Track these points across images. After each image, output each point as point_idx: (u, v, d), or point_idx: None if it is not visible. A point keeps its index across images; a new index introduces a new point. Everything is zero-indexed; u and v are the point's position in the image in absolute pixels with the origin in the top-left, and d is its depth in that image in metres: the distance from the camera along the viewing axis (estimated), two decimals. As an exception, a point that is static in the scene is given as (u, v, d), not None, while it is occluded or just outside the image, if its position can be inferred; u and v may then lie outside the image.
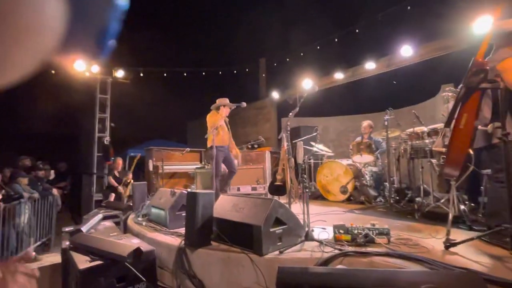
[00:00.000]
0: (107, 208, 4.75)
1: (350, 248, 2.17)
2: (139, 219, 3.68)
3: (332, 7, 9.35)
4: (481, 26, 4.22)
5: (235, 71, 10.31)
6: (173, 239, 2.75)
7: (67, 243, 2.75)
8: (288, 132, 3.00)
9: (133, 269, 2.23)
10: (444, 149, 2.17)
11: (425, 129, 3.72)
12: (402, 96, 7.39)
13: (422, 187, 3.82)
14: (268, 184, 5.28)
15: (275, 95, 8.85)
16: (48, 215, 5.15)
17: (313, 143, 5.50)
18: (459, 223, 2.86)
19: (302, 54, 9.28)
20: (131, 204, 4.61)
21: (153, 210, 3.64)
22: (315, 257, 2.10)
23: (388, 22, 7.22)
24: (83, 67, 6.87)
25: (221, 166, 4.47)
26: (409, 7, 6.81)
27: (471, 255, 2.01)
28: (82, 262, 2.26)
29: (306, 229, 2.48)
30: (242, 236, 2.32)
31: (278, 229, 2.29)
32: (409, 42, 6.10)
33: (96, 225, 3.55)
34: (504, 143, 1.86)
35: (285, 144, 3.41)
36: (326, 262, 2.01)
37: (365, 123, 5.42)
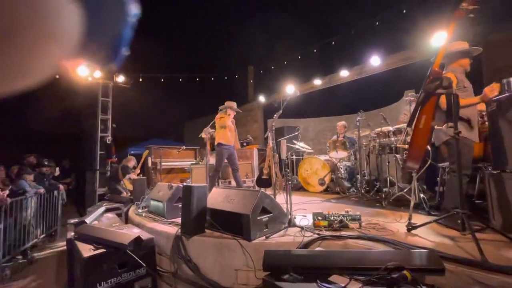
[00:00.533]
0: (110, 201, 4.63)
1: (327, 233, 2.21)
2: (139, 210, 3.60)
3: (311, 22, 9.41)
4: (438, 40, 4.35)
5: (226, 77, 10.24)
6: (170, 228, 2.72)
7: (72, 233, 2.67)
8: (273, 131, 3.01)
9: (134, 255, 2.19)
10: (406, 146, 2.23)
11: (391, 128, 3.81)
12: (371, 100, 7.54)
13: (388, 179, 3.93)
14: (255, 178, 5.29)
15: (262, 98, 8.92)
16: (54, 209, 4.97)
17: (295, 141, 5.54)
18: (419, 209, 2.95)
19: (285, 62, 9.32)
20: (132, 197, 4.51)
21: (152, 203, 3.58)
22: (297, 241, 2.12)
23: (360, 36, 7.35)
24: (86, 72, 6.64)
25: (223, 162, 4.48)
26: (377, 23, 6.95)
27: (429, 236, 2.08)
28: (86, 250, 2.20)
29: (289, 216, 2.50)
30: (233, 224, 2.32)
31: (264, 217, 2.30)
32: (377, 53, 6.24)
33: (99, 217, 3.46)
34: (456, 140, 1.93)
35: (270, 142, 3.43)
36: (307, 245, 2.04)
37: (340, 124, 5.51)
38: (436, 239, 2.01)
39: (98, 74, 6.92)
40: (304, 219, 2.61)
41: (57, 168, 6.41)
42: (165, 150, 6.47)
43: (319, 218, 2.42)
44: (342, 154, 4.86)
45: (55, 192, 5.04)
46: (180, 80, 9.88)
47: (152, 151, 6.17)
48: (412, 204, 2.51)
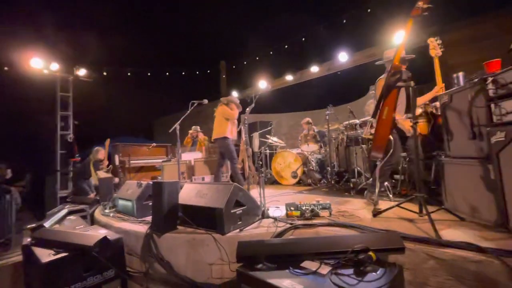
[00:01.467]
0: (73, 203, 4.31)
1: (300, 222, 2.27)
2: (107, 211, 3.40)
3: (282, 18, 9.48)
4: (398, 38, 4.64)
5: (197, 72, 9.99)
6: (140, 227, 2.60)
7: (29, 239, 2.44)
8: (246, 125, 3.00)
9: (99, 257, 2.07)
10: (371, 136, 2.36)
11: (357, 121, 4.01)
12: (340, 95, 7.84)
13: (356, 170, 4.14)
14: (229, 173, 5.26)
15: (235, 94, 8.84)
16: (6, 214, 4.50)
17: (268, 136, 5.60)
18: (383, 196, 3.15)
19: (257, 58, 9.33)
20: (98, 197, 4.24)
21: (121, 202, 3.39)
22: (271, 231, 2.16)
23: (329, 33, 7.59)
24: (40, 65, 6.06)
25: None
26: (344, 21, 7.22)
27: (392, 219, 2.24)
28: (45, 256, 2.03)
29: (263, 208, 2.53)
30: (206, 219, 2.28)
31: (238, 210, 2.29)
32: (345, 50, 6.50)
33: (60, 220, 3.20)
34: (414, 130, 2.08)
35: (243, 136, 3.42)
36: (280, 235, 2.08)
37: (304, 121, 5.69)
38: (398, 222, 2.16)
39: (55, 66, 6.35)
40: (277, 210, 2.65)
41: (9, 170, 5.80)
42: (134, 148, 6.18)
43: (292, 208, 2.48)
44: (313, 147, 5.01)
45: (7, 196, 4.56)
46: (149, 74, 9.45)
47: (120, 149, 5.85)
48: (376, 191, 2.67)
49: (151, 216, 2.57)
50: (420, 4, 2.09)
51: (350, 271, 1.37)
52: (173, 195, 2.46)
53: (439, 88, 2.78)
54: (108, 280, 2.23)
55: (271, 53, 8.93)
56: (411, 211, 2.21)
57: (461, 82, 2.28)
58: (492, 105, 1.81)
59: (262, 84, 6.91)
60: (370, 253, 1.43)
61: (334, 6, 8.05)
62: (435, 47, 2.76)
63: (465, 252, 1.47)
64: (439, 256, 1.52)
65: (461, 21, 5.06)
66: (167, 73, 9.51)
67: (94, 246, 2.06)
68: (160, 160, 5.91)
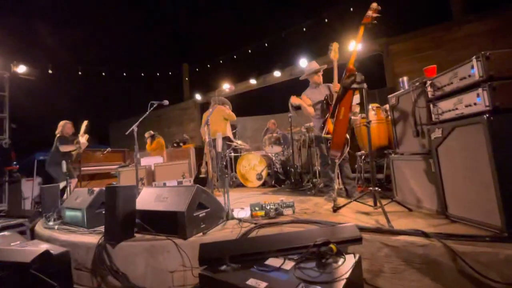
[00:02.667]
0: (7, 217, 3.74)
1: (264, 221, 2.27)
2: (51, 223, 3.01)
3: (246, 23, 9.61)
4: (352, 45, 5.01)
5: (158, 74, 9.57)
6: (91, 238, 2.35)
7: None
8: (209, 125, 2.92)
9: (39, 275, 1.81)
10: (330, 135, 2.48)
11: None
12: (302, 100, 8.16)
13: (317, 170, 4.31)
14: (193, 178, 5.09)
15: (198, 97, 8.66)
16: None
17: (233, 139, 5.57)
18: (342, 192, 3.31)
19: (221, 61, 9.29)
20: (40, 210, 3.75)
21: (68, 213, 3.03)
22: (235, 233, 2.11)
23: (290, 39, 7.89)
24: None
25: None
26: (304, 29, 7.58)
27: (350, 213, 2.36)
28: (-32, 279, 1.71)
29: (227, 210, 2.47)
30: (167, 224, 2.15)
31: (201, 213, 2.21)
32: (305, 56, 6.80)
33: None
34: (367, 128, 2.24)
35: (206, 137, 3.33)
36: (244, 235, 2.04)
37: (270, 122, 5.81)
38: (355, 215, 2.29)
39: (-15, 61, 5.53)
40: (241, 211, 2.62)
41: None
42: (86, 153, 5.63)
43: (256, 208, 2.47)
44: (277, 149, 5.11)
45: None
46: (104, 74, 8.77)
47: (69, 154, 5.27)
48: (335, 188, 2.80)
49: (103, 226, 2.35)
50: (370, 13, 2.28)
51: (313, 264, 1.40)
52: (130, 200, 2.28)
53: (337, 88, 2.87)
54: (51, 300, 1.96)
55: (235, 57, 8.97)
56: (366, 204, 2.36)
57: (406, 86, 2.53)
58: (431, 105, 2.03)
59: (226, 87, 6.88)
60: (331, 245, 1.48)
61: (295, 15, 8.41)
62: (335, 51, 3.02)
63: (413, 238, 1.61)
64: (392, 243, 1.63)
65: (405, 34, 5.66)
66: (124, 74, 8.93)
67: (32, 262, 1.79)
68: (116, 166, 5.49)
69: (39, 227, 2.98)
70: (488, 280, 1.33)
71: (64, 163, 4.23)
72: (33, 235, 3.13)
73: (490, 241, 1.45)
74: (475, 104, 1.65)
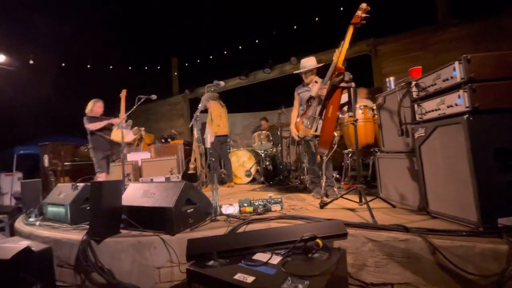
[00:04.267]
0: (-16, 213, 3.59)
1: (252, 217, 2.29)
2: (31, 219, 2.92)
3: (236, 19, 9.50)
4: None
5: (146, 68, 9.35)
6: (75, 234, 2.29)
7: None
8: (198, 120, 2.89)
9: (20, 272, 1.75)
10: (318, 133, 2.52)
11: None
12: (291, 97, 8.21)
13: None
14: (181, 174, 5.04)
15: (187, 92, 8.55)
16: None
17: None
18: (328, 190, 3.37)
19: (211, 57, 9.19)
20: (20, 205, 3.61)
21: (50, 209, 2.94)
22: (223, 229, 2.11)
23: (281, 37, 7.89)
24: None
25: None
26: (295, 27, 7.60)
27: (336, 210, 2.42)
28: None
29: (215, 206, 2.47)
30: (154, 220, 2.13)
31: (189, 209, 2.20)
32: (295, 54, 6.84)
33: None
34: (355, 126, 2.29)
35: (195, 133, 3.31)
36: (232, 231, 2.05)
37: (263, 121, 5.86)
38: (341, 211, 2.34)
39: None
40: (230, 207, 2.62)
41: None
42: (68, 147, 5.46)
43: (245, 204, 2.48)
44: (266, 146, 5.13)
45: None
46: (88, 66, 8.49)
47: (50, 149, 5.10)
48: (323, 185, 2.85)
49: (88, 222, 2.30)
50: (359, 13, 2.31)
51: (300, 258, 1.43)
52: (115, 196, 2.23)
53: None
54: (31, 298, 1.90)
55: (225, 52, 8.90)
56: (352, 201, 2.42)
57: (392, 86, 2.60)
58: (415, 105, 2.10)
59: (216, 83, 6.83)
60: (317, 240, 1.51)
61: (286, 13, 8.39)
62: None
63: (395, 233, 1.67)
64: (375, 238, 1.68)
65: (393, 35, 5.78)
66: (111, 67, 8.67)
67: (12, 259, 1.74)
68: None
69: (19, 224, 2.87)
70: (464, 273, 1.40)
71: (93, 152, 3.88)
72: (13, 232, 3.02)
73: (466, 235, 1.52)
74: (456, 104, 1.72)
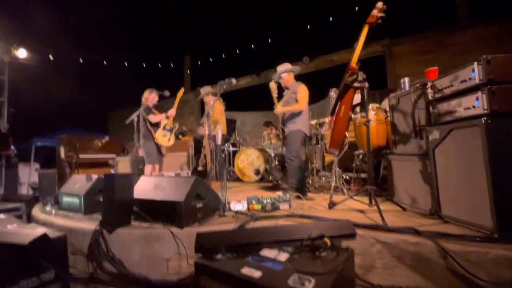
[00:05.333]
0: (3, 201, 3.75)
1: (261, 214, 2.30)
2: (48, 208, 3.03)
3: (248, 18, 9.52)
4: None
5: (159, 65, 9.51)
6: (88, 224, 2.37)
7: None
8: (209, 117, 2.93)
9: (36, 258, 1.83)
10: (329, 132, 2.50)
11: (316, 121, 4.22)
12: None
13: (315, 168, 4.34)
14: (191, 170, 5.11)
15: (199, 90, 8.63)
16: None
17: (231, 134, 5.61)
18: (337, 190, 3.34)
19: (223, 55, 9.26)
20: (37, 195, 3.76)
21: (65, 199, 3.04)
22: (231, 224, 2.13)
23: (293, 37, 7.86)
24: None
25: None
26: (308, 26, 7.55)
27: (345, 210, 2.40)
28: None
29: (224, 202, 2.50)
30: (164, 213, 2.18)
31: (198, 204, 2.23)
32: (308, 54, 6.81)
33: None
34: (367, 127, 2.26)
35: (206, 129, 3.34)
36: (240, 227, 2.07)
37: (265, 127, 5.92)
38: (350, 212, 2.32)
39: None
40: (238, 204, 2.63)
41: None
42: (83, 140, 5.62)
43: (253, 202, 2.50)
44: (276, 145, 5.13)
45: None
46: (105, 63, 8.71)
47: (66, 141, 5.27)
48: (332, 186, 2.83)
49: (100, 213, 2.37)
50: (375, 12, 2.28)
51: (307, 256, 1.43)
52: (127, 188, 2.29)
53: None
54: (46, 283, 1.97)
55: (237, 51, 8.94)
56: (362, 202, 2.39)
57: (407, 87, 2.54)
58: (430, 107, 2.05)
59: (228, 81, 6.87)
60: (325, 239, 1.51)
61: (300, 12, 8.36)
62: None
63: (405, 235, 1.64)
64: (384, 240, 1.66)
65: (408, 36, 5.66)
66: (126, 63, 8.87)
67: (29, 245, 1.81)
68: (114, 156, 5.49)
69: (36, 212, 2.99)
70: (476, 279, 1.37)
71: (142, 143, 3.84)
72: (30, 220, 3.14)
73: (480, 241, 1.48)
74: (473, 107, 1.67)
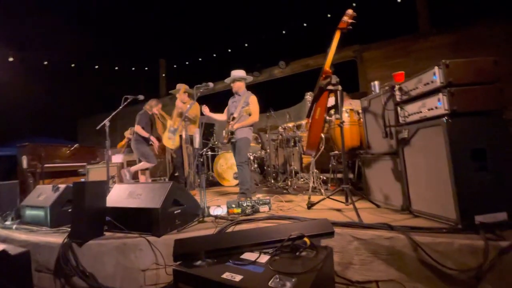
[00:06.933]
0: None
1: (241, 218, 2.28)
2: (8, 223, 2.77)
3: (223, 24, 9.51)
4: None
5: (133, 69, 9.18)
6: (55, 237, 2.20)
7: None
8: (186, 121, 2.87)
9: (-5, 277, 1.66)
10: (306, 134, 2.56)
11: (293, 124, 4.30)
12: (280, 101, 8.29)
13: (293, 170, 4.41)
14: (168, 176, 4.96)
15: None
16: None
17: (210, 138, 5.54)
18: (316, 191, 3.42)
19: (200, 59, 9.18)
20: None
21: (29, 212, 2.81)
22: (211, 230, 2.09)
23: (270, 41, 7.98)
24: None
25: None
26: (284, 32, 7.72)
27: (323, 210, 2.45)
28: None
29: (203, 207, 2.45)
30: (140, 222, 2.09)
31: (176, 210, 2.17)
32: (283, 59, 6.95)
33: None
34: (341, 128, 2.34)
35: (183, 134, 3.27)
36: (220, 231, 2.04)
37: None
38: (328, 211, 2.38)
39: None
40: (218, 209, 2.60)
41: None
42: (49, 148, 5.25)
43: (233, 206, 2.47)
44: (254, 148, 5.15)
45: None
46: (73, 66, 8.24)
47: (29, 150, 4.89)
48: (310, 186, 2.89)
49: (69, 225, 2.21)
50: (346, 18, 2.39)
51: (287, 257, 1.44)
52: (99, 197, 2.17)
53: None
54: (6, 305, 1.80)
55: (214, 55, 8.90)
56: (339, 201, 2.46)
57: (377, 90, 2.68)
58: (399, 108, 2.17)
59: (204, 85, 6.80)
60: (305, 239, 1.53)
61: (275, 17, 8.51)
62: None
63: (380, 231, 1.71)
64: (361, 237, 1.72)
65: (377, 42, 5.99)
66: (96, 67, 8.46)
67: (-14, 263, 1.65)
68: (85, 164, 5.18)
69: (-6, 227, 2.72)
70: (444, 268, 1.46)
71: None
72: (-13, 237, 2.85)
73: (446, 232, 1.59)
74: (436, 107, 1.80)
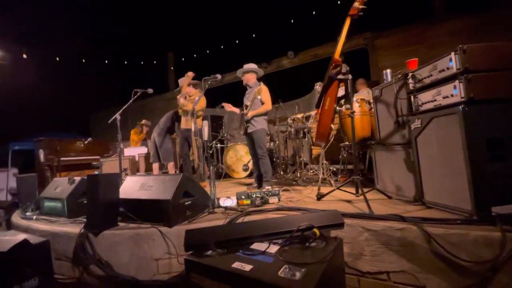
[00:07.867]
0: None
1: (250, 209, 2.30)
2: (28, 214, 2.90)
3: (231, 15, 9.38)
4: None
5: (142, 63, 9.25)
6: (73, 227, 2.28)
7: None
8: (195, 114, 2.89)
9: (17, 265, 1.75)
10: (315, 125, 2.52)
11: (301, 115, 4.25)
12: (289, 92, 8.20)
13: (303, 161, 4.39)
14: (178, 168, 5.03)
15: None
16: None
17: (219, 131, 5.56)
18: (325, 182, 3.40)
19: (208, 51, 9.14)
20: (16, 201, 3.59)
21: (47, 203, 2.92)
22: (221, 221, 2.12)
23: (278, 31, 7.84)
24: None
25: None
26: (292, 21, 7.55)
27: (333, 201, 2.44)
28: None
29: (213, 198, 2.48)
30: (152, 213, 2.14)
31: (187, 201, 2.20)
32: (292, 49, 6.82)
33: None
34: (352, 118, 2.29)
35: (192, 126, 3.30)
36: (230, 222, 2.06)
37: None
38: (338, 203, 2.36)
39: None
40: (228, 200, 2.62)
41: None
42: (64, 142, 5.41)
43: (242, 197, 2.49)
44: (264, 140, 5.13)
45: None
46: (84, 61, 8.37)
47: (46, 144, 5.05)
48: (320, 178, 2.87)
49: (85, 216, 2.29)
50: (356, 4, 2.30)
51: (297, 247, 1.44)
52: (113, 189, 2.23)
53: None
54: (30, 290, 1.90)
55: (222, 47, 8.84)
56: (349, 192, 2.44)
57: (389, 78, 2.60)
58: (412, 97, 2.10)
59: (212, 77, 6.80)
60: (315, 230, 1.53)
61: (283, 6, 8.32)
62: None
63: (391, 222, 1.69)
64: (372, 228, 1.70)
65: (389, 29, 5.77)
66: (106, 61, 8.57)
67: (10, 251, 1.73)
68: (98, 157, 5.32)
69: (16, 218, 2.86)
70: (458, 260, 1.43)
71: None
72: (9, 226, 3.00)
73: (461, 223, 1.55)
74: (452, 95, 1.73)
